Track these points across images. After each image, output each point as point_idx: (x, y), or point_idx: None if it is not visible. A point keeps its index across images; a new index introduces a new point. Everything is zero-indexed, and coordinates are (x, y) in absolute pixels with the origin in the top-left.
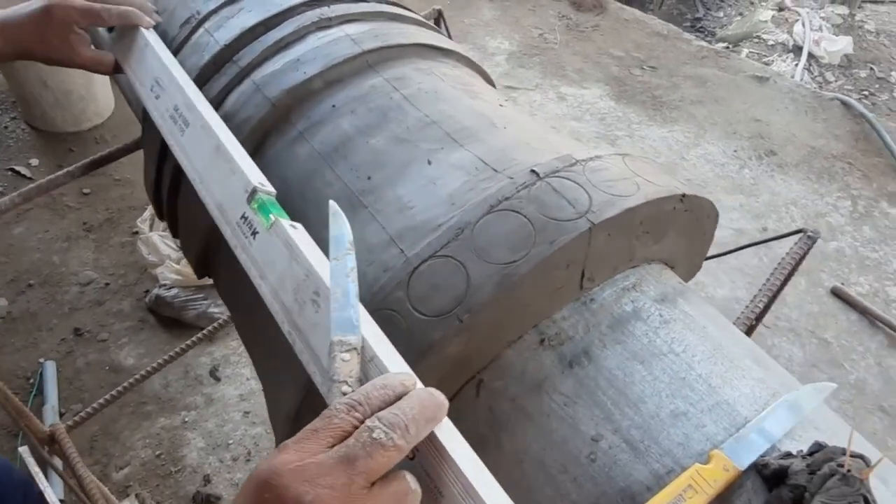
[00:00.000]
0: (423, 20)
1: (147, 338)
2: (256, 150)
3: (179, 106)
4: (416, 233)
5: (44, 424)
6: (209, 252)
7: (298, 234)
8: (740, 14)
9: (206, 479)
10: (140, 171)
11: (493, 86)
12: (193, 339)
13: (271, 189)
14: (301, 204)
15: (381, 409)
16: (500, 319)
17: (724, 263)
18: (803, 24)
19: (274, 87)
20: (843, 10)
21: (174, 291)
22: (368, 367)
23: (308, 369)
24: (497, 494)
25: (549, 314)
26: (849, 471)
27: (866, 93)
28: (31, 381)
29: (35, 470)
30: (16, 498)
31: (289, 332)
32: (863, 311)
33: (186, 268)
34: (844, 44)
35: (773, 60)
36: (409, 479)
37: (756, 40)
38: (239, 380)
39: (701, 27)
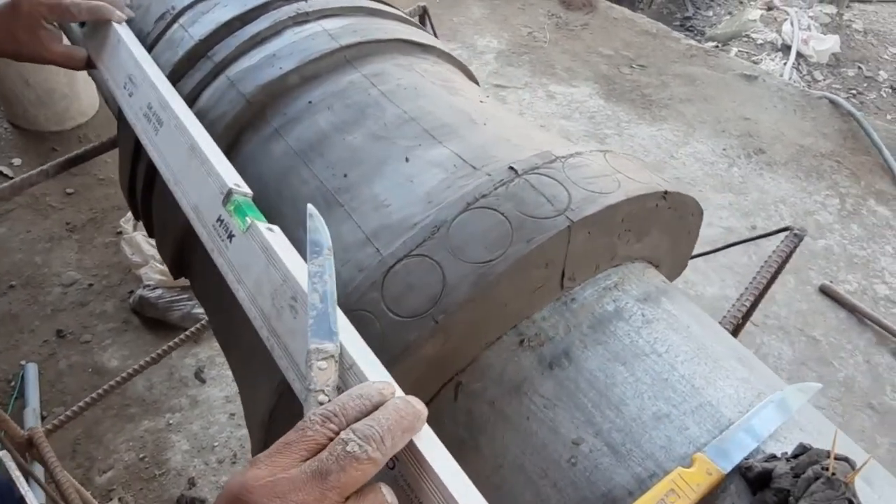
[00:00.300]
0: (404, 16)
1: (131, 339)
2: (231, 148)
3: (153, 104)
4: (392, 232)
5: (24, 428)
6: (185, 253)
7: (275, 237)
8: (729, 13)
9: (191, 483)
10: None
11: (476, 83)
12: (177, 339)
13: (247, 190)
14: (277, 202)
15: (357, 419)
16: (478, 320)
17: (713, 262)
18: (792, 24)
19: (249, 82)
20: (832, 9)
21: (158, 292)
22: (347, 374)
23: (287, 376)
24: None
25: (528, 314)
26: (833, 474)
27: (854, 91)
28: (13, 383)
29: (16, 475)
30: None
31: (267, 337)
32: (851, 309)
33: None
34: (832, 43)
35: (761, 59)
36: (386, 491)
37: (745, 39)
38: (224, 381)
39: (690, 26)
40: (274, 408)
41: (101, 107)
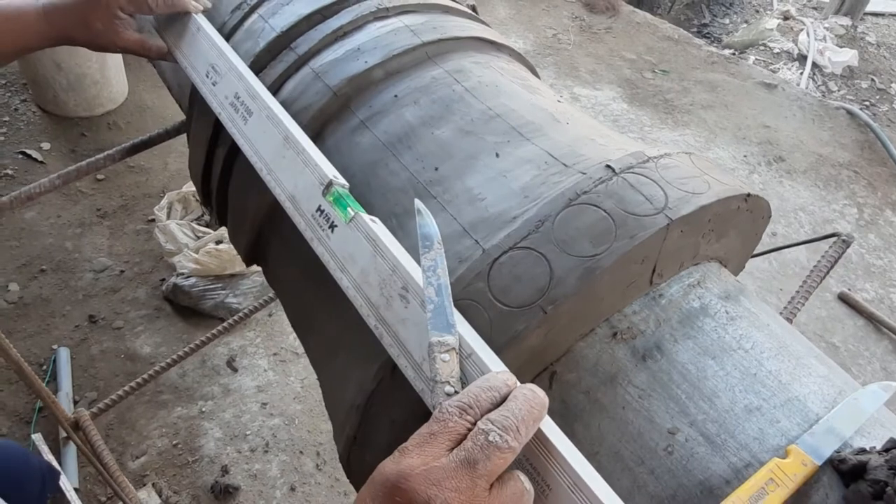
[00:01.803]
0: (473, 14)
1: (163, 326)
2: (315, 138)
3: (240, 94)
4: (490, 224)
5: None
6: (261, 239)
7: (379, 228)
8: (746, 21)
9: (224, 470)
10: (155, 159)
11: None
12: (214, 331)
13: (345, 182)
14: (366, 193)
15: (489, 410)
16: (578, 312)
17: None
18: (808, 34)
19: (334, 75)
20: (846, 21)
21: (192, 280)
22: (466, 363)
23: (398, 363)
24: (604, 487)
25: (620, 308)
26: None
27: (867, 103)
28: (44, 367)
29: (49, 457)
30: (34, 486)
31: (375, 325)
32: (869, 317)
33: (205, 257)
34: (850, 56)
35: (778, 68)
36: (523, 478)
37: (762, 48)
38: (256, 371)
39: (707, 33)
40: (373, 393)
41: (131, 94)
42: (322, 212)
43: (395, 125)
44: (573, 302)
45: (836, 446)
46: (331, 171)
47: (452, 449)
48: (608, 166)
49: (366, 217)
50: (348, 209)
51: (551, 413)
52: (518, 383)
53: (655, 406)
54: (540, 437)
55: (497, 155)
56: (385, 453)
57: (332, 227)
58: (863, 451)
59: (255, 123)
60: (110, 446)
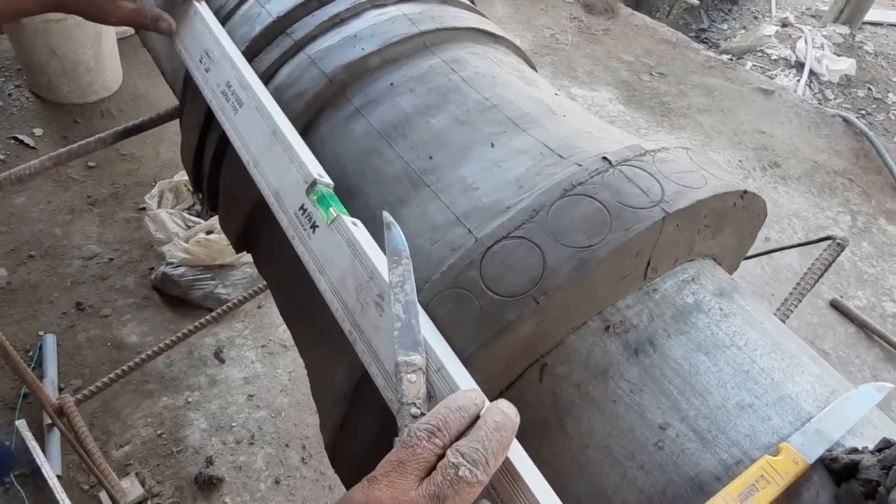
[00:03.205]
0: (471, 5)
1: (151, 315)
2: (310, 124)
3: (232, 83)
4: (484, 214)
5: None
6: (251, 227)
7: (360, 232)
8: (744, 27)
9: (209, 461)
10: (147, 147)
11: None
12: (201, 321)
13: (329, 181)
14: (359, 181)
15: (458, 433)
16: (570, 304)
17: None
18: (806, 42)
19: (330, 61)
20: (845, 29)
21: (181, 270)
22: (434, 377)
23: (370, 370)
24: None
25: (613, 301)
26: None
27: (863, 112)
28: (30, 353)
29: (32, 444)
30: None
31: (349, 331)
32: (860, 325)
33: (194, 246)
34: (847, 65)
35: (776, 74)
36: None
37: (759, 54)
38: (244, 362)
39: (706, 38)
40: (361, 381)
41: (125, 82)
42: (305, 210)
43: (390, 113)
44: (566, 293)
45: (828, 445)
46: (316, 170)
47: (422, 479)
48: (605, 158)
49: (347, 220)
50: (330, 209)
51: (541, 406)
52: (486, 401)
53: (647, 401)
54: (506, 464)
55: (492, 145)
56: (371, 444)
57: (314, 227)
58: (855, 450)
59: (245, 114)
60: (94, 435)
